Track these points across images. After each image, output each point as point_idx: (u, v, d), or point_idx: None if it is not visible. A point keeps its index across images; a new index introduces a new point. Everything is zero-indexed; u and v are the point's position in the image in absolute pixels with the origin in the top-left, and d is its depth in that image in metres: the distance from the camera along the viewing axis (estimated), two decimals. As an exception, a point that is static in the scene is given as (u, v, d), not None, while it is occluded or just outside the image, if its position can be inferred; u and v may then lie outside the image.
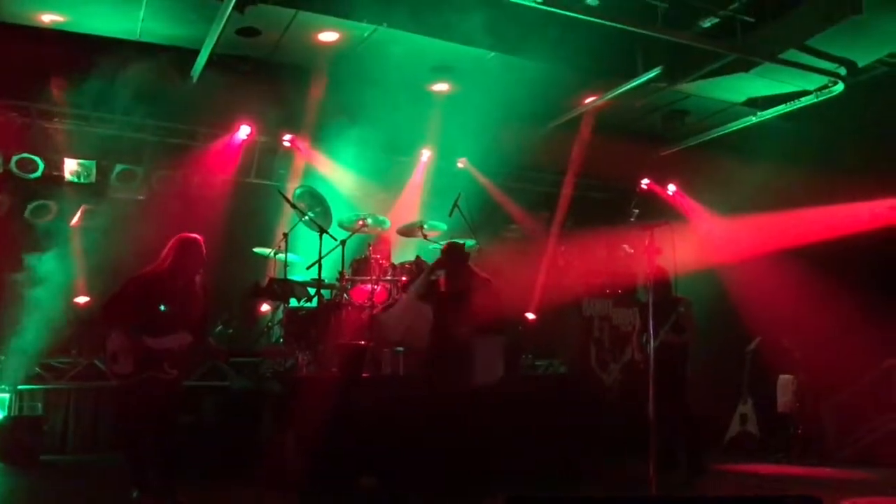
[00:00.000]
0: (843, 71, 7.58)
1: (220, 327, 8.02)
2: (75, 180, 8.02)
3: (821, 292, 7.57)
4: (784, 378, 8.33)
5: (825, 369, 8.01)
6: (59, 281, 7.38)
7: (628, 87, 8.07)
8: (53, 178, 7.96)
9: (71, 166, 8.01)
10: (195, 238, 5.32)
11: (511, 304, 7.93)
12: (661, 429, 6.13)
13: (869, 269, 7.94)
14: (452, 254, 6.17)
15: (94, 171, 8.09)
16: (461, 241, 6.53)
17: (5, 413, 7.09)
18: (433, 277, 6.16)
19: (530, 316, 8.57)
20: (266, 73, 8.10)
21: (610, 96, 8.39)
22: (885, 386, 7.77)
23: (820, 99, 7.99)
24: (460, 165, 9.66)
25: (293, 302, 7.37)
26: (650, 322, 5.28)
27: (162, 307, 5.11)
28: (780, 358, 8.31)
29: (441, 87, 8.55)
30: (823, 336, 7.77)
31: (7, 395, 7.15)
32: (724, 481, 6.51)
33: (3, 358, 7.26)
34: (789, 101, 8.28)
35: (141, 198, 8.31)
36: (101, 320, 5.32)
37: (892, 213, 8.06)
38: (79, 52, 7.50)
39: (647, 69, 7.79)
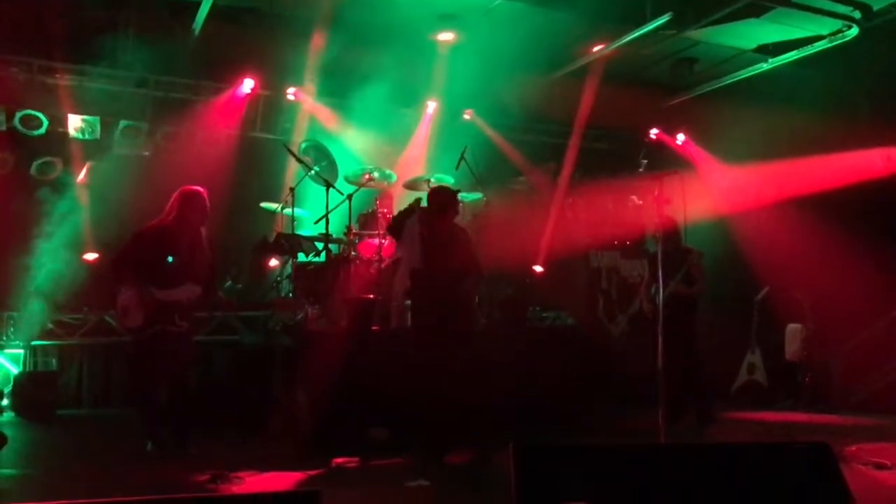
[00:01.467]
0: (857, 15, 7.43)
1: (229, 282, 8.06)
2: (80, 137, 7.98)
3: (830, 241, 7.52)
4: (792, 327, 8.35)
5: (833, 318, 8.01)
6: (68, 238, 7.44)
7: (637, 34, 7.90)
8: (58, 135, 7.93)
9: (75, 122, 7.96)
10: (198, 190, 5.36)
11: (518, 257, 7.95)
12: (670, 379, 6.23)
13: (879, 217, 7.88)
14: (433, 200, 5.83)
15: (98, 127, 8.05)
16: (447, 186, 6.25)
17: (21, 369, 7.21)
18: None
19: (538, 268, 8.55)
20: (269, 25, 7.96)
21: (618, 44, 8.22)
22: (892, 334, 7.78)
23: (833, 44, 7.83)
24: (466, 117, 9.55)
25: (301, 257, 7.37)
26: (659, 273, 5.26)
27: (169, 259, 5.17)
28: (788, 307, 8.32)
29: (446, 36, 8.37)
30: (832, 285, 7.75)
31: (22, 352, 7.27)
32: (732, 429, 6.57)
33: (16, 314, 7.34)
34: (802, 46, 8.12)
35: (146, 154, 8.28)
36: (111, 276, 5.39)
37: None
38: (79, 6, 7.41)
39: (655, 16, 7.60)
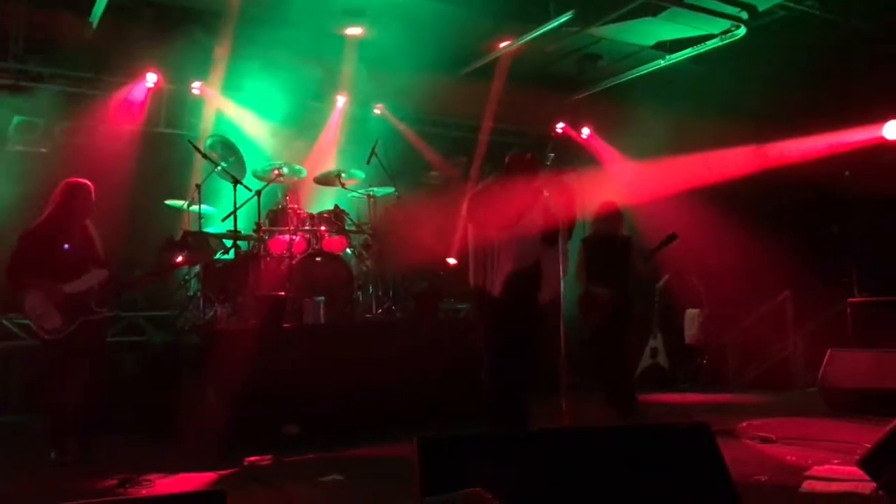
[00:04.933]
0: (744, 15, 7.86)
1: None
2: (-30, 133, 7.62)
3: (723, 230, 7.96)
4: (691, 312, 8.80)
5: (728, 302, 8.50)
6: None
7: (541, 31, 8.14)
8: (-55, 132, 7.56)
9: (-37, 119, 7.59)
10: (82, 182, 5.31)
11: (432, 250, 8.06)
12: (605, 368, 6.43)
13: (767, 206, 8.38)
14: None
15: (-11, 123, 7.70)
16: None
17: None
18: None
19: (451, 261, 8.69)
20: (171, 18, 7.80)
21: (523, 41, 8.44)
22: (779, 317, 8.31)
23: (724, 42, 8.26)
24: (377, 112, 9.58)
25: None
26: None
27: (65, 246, 5.08)
28: (687, 293, 8.77)
29: (354, 30, 8.39)
30: (727, 271, 8.19)
31: None
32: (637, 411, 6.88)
33: None
34: (695, 44, 8.53)
35: (43, 150, 7.95)
36: (10, 285, 5.21)
37: (791, 153, 8.45)
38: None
39: (559, 13, 7.85)
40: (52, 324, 5.05)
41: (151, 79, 8.16)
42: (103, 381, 5.41)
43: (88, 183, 5.34)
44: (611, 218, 6.66)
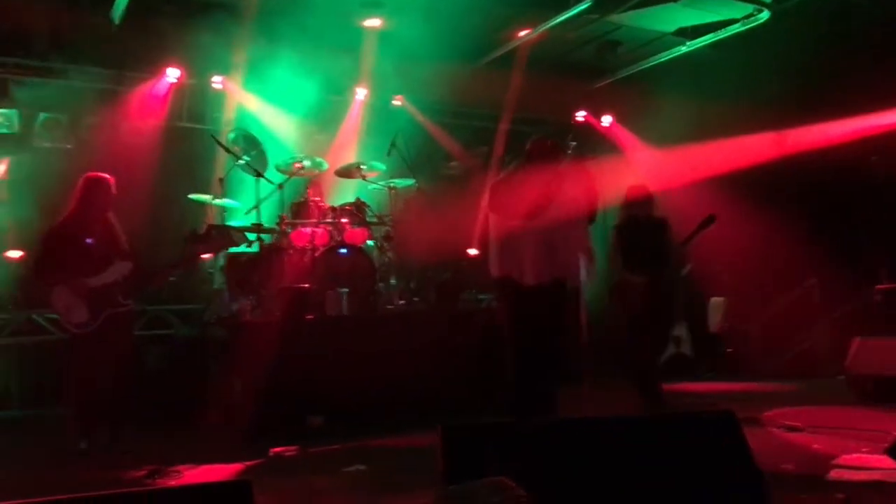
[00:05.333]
0: (768, -1, 7.75)
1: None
2: (-3, 131, 7.73)
3: (748, 217, 7.87)
4: (715, 300, 8.72)
5: (753, 290, 8.42)
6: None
7: (561, 18, 8.07)
8: (-27, 130, 7.66)
9: (-9, 116, 7.70)
10: (101, 176, 5.37)
11: (453, 241, 8.06)
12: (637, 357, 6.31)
13: (792, 193, 8.27)
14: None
15: (16, 120, 7.79)
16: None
17: (-56, 371, 7.00)
18: None
19: (472, 251, 8.69)
20: (192, 13, 7.82)
21: (542, 29, 8.38)
22: (805, 304, 8.21)
23: (746, 27, 8.15)
24: (397, 103, 9.57)
25: (233, 248, 7.32)
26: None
27: (88, 240, 5.14)
28: (711, 281, 8.68)
29: (373, 22, 8.37)
30: (752, 259, 8.11)
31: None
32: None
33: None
34: (717, 29, 8.42)
35: (69, 146, 8.05)
36: (38, 283, 5.31)
37: (816, 139, 8.33)
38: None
39: (578, 1, 7.78)
40: (80, 318, 5.13)
41: (173, 74, 8.22)
42: (131, 372, 5.48)
43: (107, 176, 5.39)
44: (642, 201, 6.48)
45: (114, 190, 5.39)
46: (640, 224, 6.41)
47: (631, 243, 6.32)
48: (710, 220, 6.25)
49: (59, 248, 5.17)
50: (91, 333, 5.14)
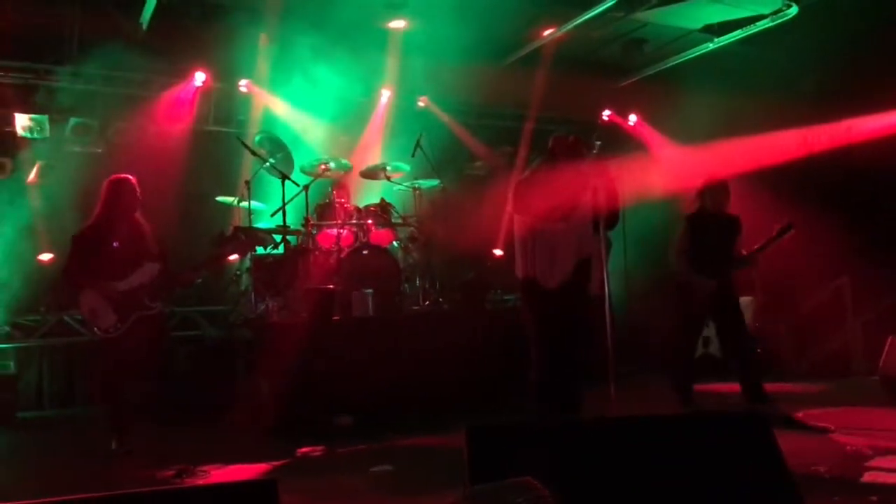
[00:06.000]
0: (797, -7, 7.63)
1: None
2: (28, 136, 7.84)
3: (776, 215, 7.72)
4: (744, 299, 8.57)
5: (783, 289, 8.28)
6: (21, 239, 7.34)
7: (586, 17, 8.03)
8: (5, 135, 7.79)
9: (22, 121, 7.80)
10: (125, 177, 5.39)
11: (478, 241, 8.06)
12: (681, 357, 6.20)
13: (822, 190, 8.12)
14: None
15: (47, 125, 7.92)
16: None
17: (-23, 373, 7.12)
18: None
19: (497, 252, 8.67)
20: (218, 17, 7.90)
21: (568, 27, 8.34)
22: (836, 303, 8.07)
23: (775, 23, 8.02)
24: (421, 104, 9.59)
25: (259, 249, 7.38)
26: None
27: (115, 244, 5.17)
28: (739, 281, 8.53)
29: (397, 23, 8.39)
30: (781, 257, 7.97)
31: (-22, 356, 7.18)
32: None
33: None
34: (745, 26, 8.31)
35: (98, 151, 8.17)
36: (67, 287, 5.37)
37: (847, 134, 8.18)
38: (23, 3, 7.27)
39: (603, -2, 7.75)
40: (108, 322, 5.17)
41: (200, 78, 8.31)
42: (161, 373, 5.53)
43: (130, 177, 5.39)
44: (717, 192, 6.16)
45: (138, 190, 5.39)
46: (712, 220, 6.14)
47: (700, 242, 6.05)
48: (787, 228, 5.93)
49: (85, 251, 5.21)
50: (119, 337, 5.18)
